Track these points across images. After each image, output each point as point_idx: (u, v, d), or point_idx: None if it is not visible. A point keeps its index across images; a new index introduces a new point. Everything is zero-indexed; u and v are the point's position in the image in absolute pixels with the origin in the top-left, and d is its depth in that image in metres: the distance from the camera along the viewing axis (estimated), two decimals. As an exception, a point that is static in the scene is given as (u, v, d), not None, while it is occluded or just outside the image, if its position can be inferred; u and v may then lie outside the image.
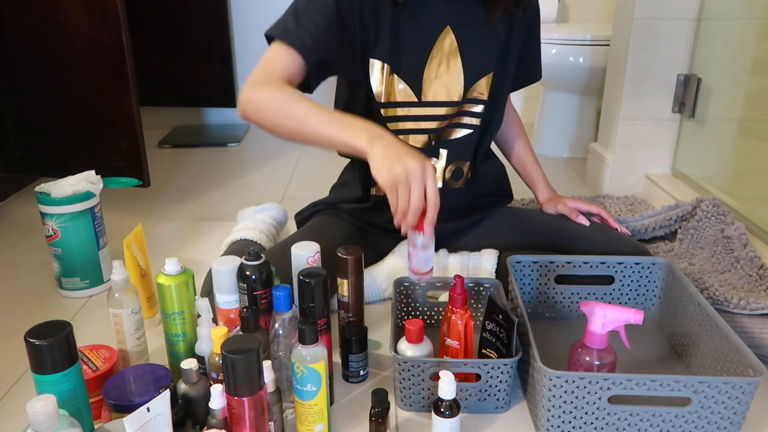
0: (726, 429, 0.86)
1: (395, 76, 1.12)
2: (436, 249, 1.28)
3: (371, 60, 1.11)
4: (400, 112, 1.16)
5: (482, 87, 1.17)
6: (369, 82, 1.13)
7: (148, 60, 2.48)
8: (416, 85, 1.14)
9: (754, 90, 1.56)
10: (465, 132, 1.20)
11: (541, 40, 1.23)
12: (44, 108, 1.68)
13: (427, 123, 1.17)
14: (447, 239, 1.28)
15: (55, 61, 1.61)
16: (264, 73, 1.01)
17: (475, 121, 1.20)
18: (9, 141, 1.75)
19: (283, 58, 1.02)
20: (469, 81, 1.16)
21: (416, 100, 1.15)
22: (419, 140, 1.18)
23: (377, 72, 1.12)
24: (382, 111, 1.15)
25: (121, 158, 1.65)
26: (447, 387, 0.82)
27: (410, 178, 0.84)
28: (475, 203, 1.29)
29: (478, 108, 1.19)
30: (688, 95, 1.70)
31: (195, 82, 2.58)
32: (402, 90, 1.14)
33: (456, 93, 1.16)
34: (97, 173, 1.31)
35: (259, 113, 0.98)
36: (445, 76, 1.14)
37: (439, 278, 1.14)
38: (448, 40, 1.13)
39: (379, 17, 1.08)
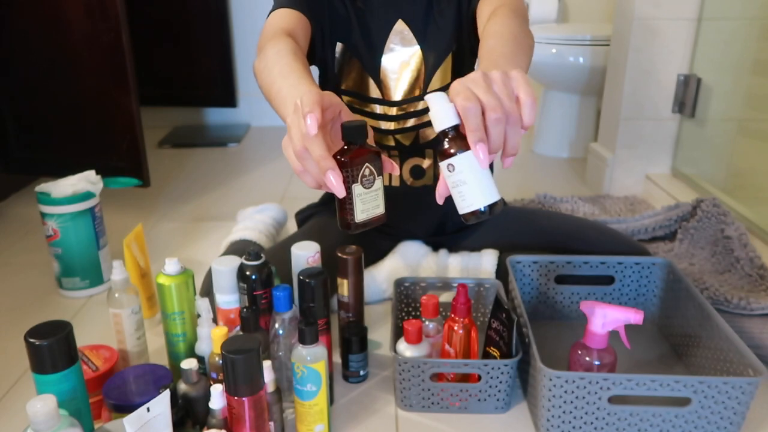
0: (726, 429, 0.86)
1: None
2: (437, 249, 1.28)
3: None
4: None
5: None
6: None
7: (148, 60, 2.48)
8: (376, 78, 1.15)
9: (754, 90, 1.56)
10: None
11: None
12: (44, 108, 1.68)
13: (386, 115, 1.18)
14: (447, 240, 1.28)
15: (55, 61, 1.61)
16: (263, 36, 0.99)
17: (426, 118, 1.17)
18: (9, 141, 1.75)
19: (279, 15, 1.02)
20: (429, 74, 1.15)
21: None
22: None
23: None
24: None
25: (121, 158, 1.65)
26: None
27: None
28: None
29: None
30: (688, 95, 1.70)
31: (195, 82, 2.58)
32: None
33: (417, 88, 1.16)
34: (97, 173, 1.31)
35: (260, 88, 0.93)
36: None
37: (439, 278, 1.14)
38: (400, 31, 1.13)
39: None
